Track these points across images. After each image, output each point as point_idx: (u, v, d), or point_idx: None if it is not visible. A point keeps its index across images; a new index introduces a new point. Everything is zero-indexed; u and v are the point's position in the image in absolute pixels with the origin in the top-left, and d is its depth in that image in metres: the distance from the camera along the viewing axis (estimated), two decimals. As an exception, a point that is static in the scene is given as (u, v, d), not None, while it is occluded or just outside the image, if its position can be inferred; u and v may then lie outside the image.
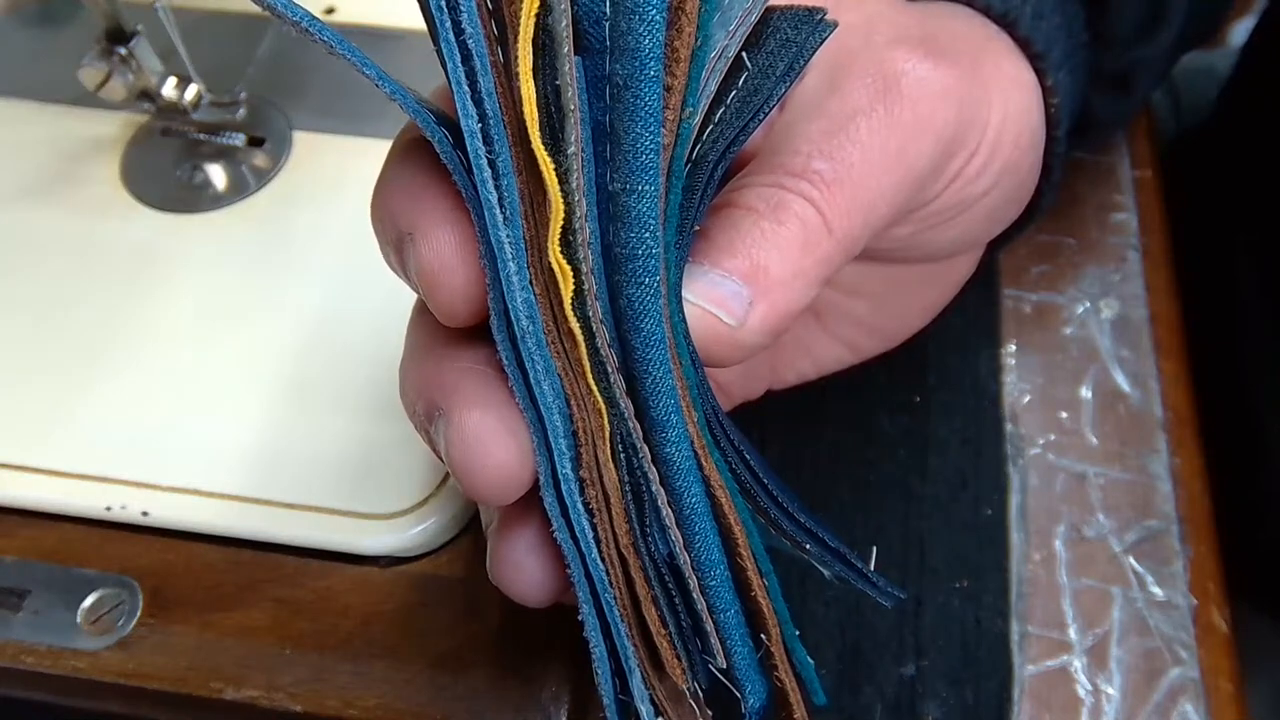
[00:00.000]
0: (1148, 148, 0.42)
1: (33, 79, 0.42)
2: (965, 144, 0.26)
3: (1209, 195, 0.51)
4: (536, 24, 0.18)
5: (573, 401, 0.22)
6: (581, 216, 0.20)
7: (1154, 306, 0.39)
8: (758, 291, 0.23)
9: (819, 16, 0.22)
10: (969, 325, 0.38)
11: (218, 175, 0.40)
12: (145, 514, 0.32)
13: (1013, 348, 0.38)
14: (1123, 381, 0.37)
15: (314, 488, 0.32)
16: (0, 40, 0.44)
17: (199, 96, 0.40)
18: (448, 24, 0.19)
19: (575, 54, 0.19)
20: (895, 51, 0.25)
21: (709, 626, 0.23)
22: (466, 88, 0.19)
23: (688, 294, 0.22)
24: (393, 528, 0.31)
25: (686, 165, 0.21)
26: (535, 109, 0.19)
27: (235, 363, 0.35)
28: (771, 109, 0.22)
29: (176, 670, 0.30)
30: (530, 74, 0.19)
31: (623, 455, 0.22)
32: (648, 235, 0.20)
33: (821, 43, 0.22)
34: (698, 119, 0.21)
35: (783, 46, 0.22)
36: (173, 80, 0.39)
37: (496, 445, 0.21)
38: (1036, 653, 0.32)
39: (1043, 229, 0.40)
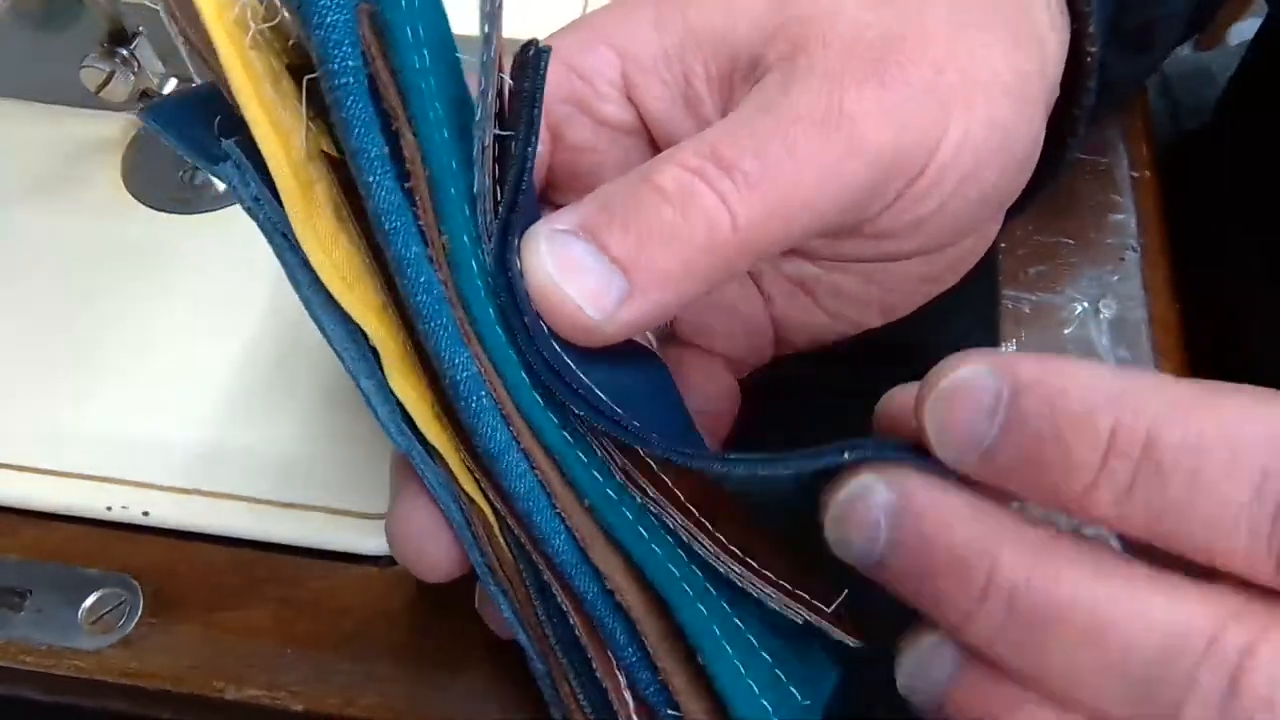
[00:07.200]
0: (1146, 149, 0.43)
1: (34, 80, 0.42)
2: (908, 166, 0.25)
3: (1207, 196, 0.51)
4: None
5: (462, 502, 0.23)
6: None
7: (1152, 307, 0.39)
8: (636, 286, 0.22)
9: (531, 52, 0.22)
10: (969, 325, 0.38)
11: (218, 176, 0.40)
12: (146, 514, 0.32)
13: (1012, 348, 0.38)
14: (1121, 382, 0.37)
15: (314, 488, 0.32)
16: (1, 41, 0.44)
17: (200, 97, 0.40)
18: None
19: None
20: (848, 62, 0.24)
21: (627, 696, 0.23)
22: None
23: (551, 270, 0.22)
24: (393, 527, 0.31)
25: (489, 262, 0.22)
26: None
27: (235, 363, 0.35)
28: (528, 171, 0.22)
29: (178, 669, 0.30)
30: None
31: (514, 549, 0.23)
32: (459, 360, 0.22)
33: (542, 78, 0.22)
34: (480, 227, 0.22)
35: (524, 105, 0.22)
36: (174, 81, 0.39)
37: (432, 542, 0.24)
38: (1035, 652, 0.32)
39: (1041, 229, 0.40)
